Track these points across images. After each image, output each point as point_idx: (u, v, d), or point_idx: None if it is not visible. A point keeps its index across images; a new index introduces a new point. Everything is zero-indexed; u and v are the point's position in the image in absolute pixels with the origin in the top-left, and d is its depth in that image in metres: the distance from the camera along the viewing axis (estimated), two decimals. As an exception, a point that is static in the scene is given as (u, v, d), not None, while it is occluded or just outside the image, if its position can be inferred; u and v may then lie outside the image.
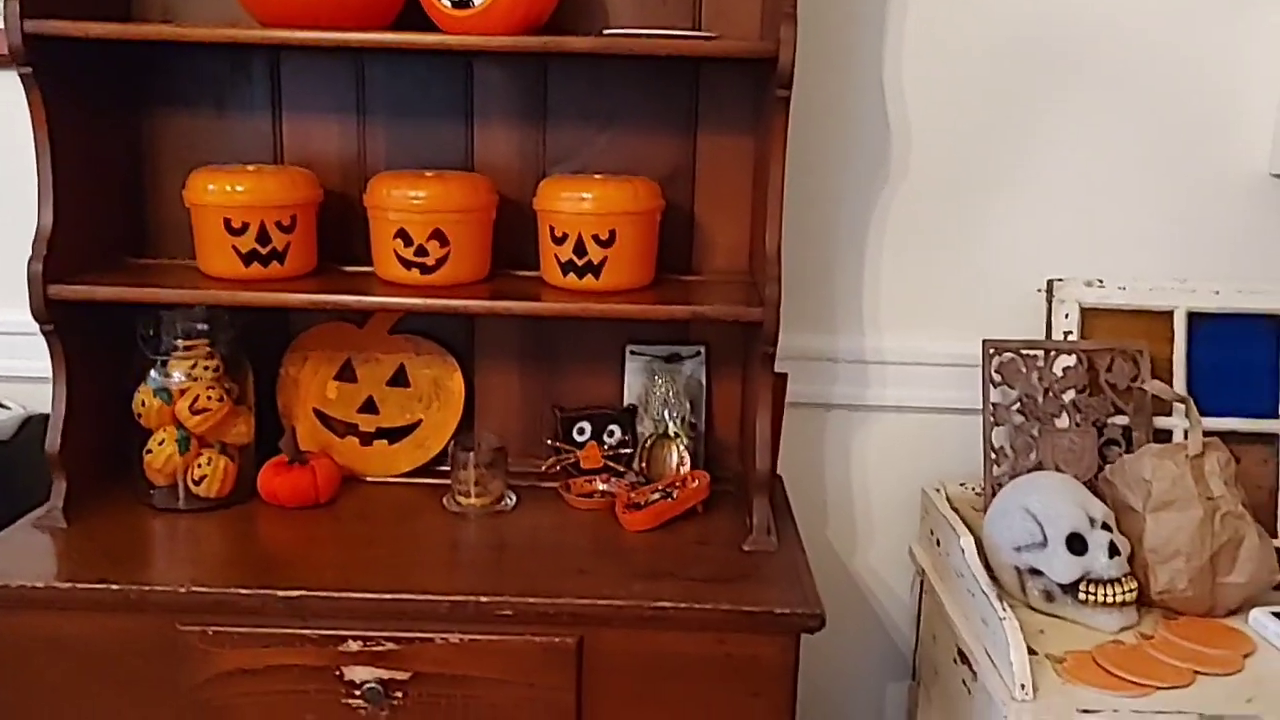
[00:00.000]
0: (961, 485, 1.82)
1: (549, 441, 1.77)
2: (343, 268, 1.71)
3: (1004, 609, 1.43)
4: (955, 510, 1.78)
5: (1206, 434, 1.72)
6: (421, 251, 1.55)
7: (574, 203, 1.54)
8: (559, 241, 1.56)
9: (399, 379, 1.78)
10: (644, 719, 1.39)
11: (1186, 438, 1.66)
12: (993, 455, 1.76)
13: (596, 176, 1.61)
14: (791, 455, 1.91)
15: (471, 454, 1.64)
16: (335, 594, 1.37)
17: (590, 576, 1.43)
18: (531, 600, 1.36)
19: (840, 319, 1.87)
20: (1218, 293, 1.78)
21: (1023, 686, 1.36)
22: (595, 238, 1.53)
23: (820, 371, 1.88)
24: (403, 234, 1.55)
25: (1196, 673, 1.43)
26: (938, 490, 1.80)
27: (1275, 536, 1.76)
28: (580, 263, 1.54)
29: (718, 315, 1.51)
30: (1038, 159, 1.81)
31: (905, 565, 1.91)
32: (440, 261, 1.56)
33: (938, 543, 1.75)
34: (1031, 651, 1.48)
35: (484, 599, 1.36)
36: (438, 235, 1.55)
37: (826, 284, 1.87)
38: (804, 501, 1.93)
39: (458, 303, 1.54)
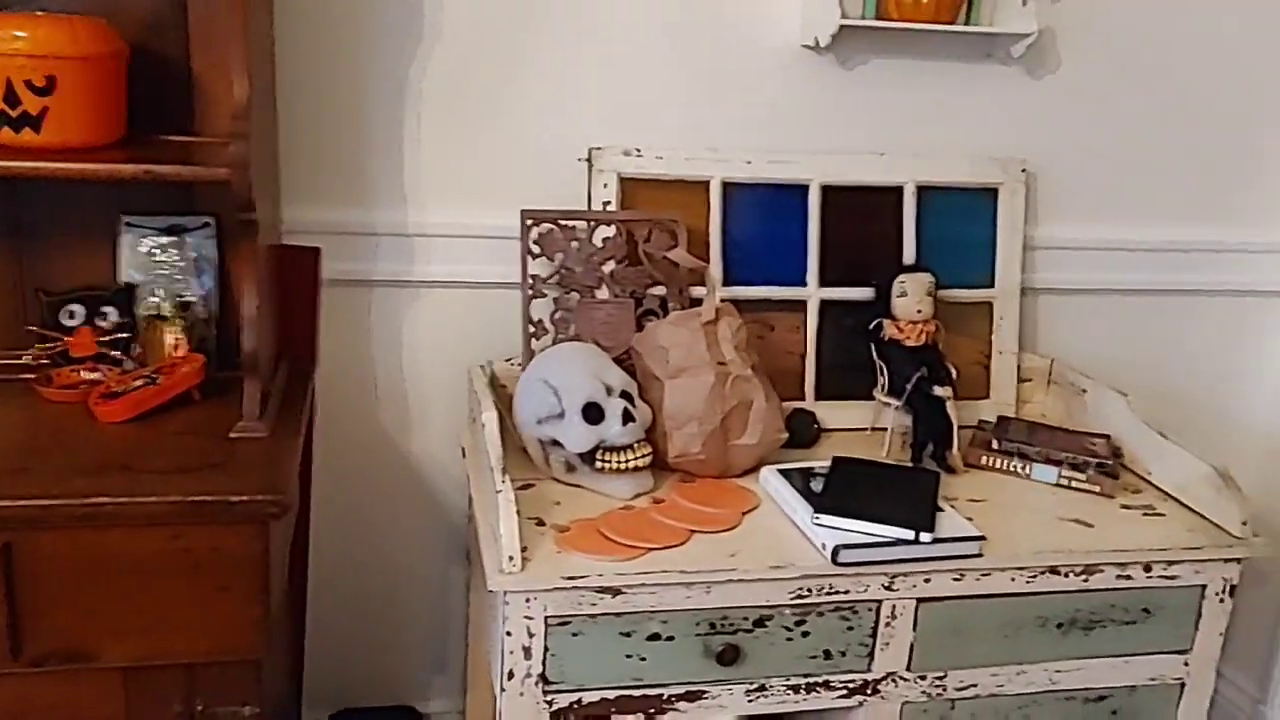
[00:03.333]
0: (508, 361, 1.77)
1: (33, 329, 1.55)
2: None
3: (502, 481, 1.39)
4: (503, 387, 1.74)
5: (740, 303, 1.76)
6: None
7: (5, 43, 1.31)
8: (-9, 89, 1.32)
9: None
10: (98, 626, 1.25)
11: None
12: (531, 329, 1.72)
13: (39, 14, 1.38)
14: (336, 336, 1.79)
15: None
16: None
17: (29, 475, 1.25)
18: (-55, 505, 1.18)
19: (379, 191, 1.75)
20: (749, 163, 1.80)
21: (510, 559, 1.33)
22: (29, 84, 1.31)
23: (360, 247, 1.76)
24: None
25: (693, 532, 1.46)
26: (482, 368, 1.74)
27: (803, 399, 1.84)
28: (14, 114, 1.32)
29: (173, 175, 1.34)
30: (576, 26, 1.74)
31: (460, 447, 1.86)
32: None
33: (474, 420, 1.69)
34: (541, 523, 1.47)
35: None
36: None
37: (361, 154, 1.73)
38: (353, 385, 1.83)
39: None
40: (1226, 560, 1.53)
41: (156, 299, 1.55)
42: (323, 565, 1.87)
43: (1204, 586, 1.54)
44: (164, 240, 1.58)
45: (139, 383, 1.45)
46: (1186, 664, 1.57)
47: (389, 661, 1.97)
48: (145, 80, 1.50)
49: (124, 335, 1.56)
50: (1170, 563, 1.51)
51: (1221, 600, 1.55)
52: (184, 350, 1.52)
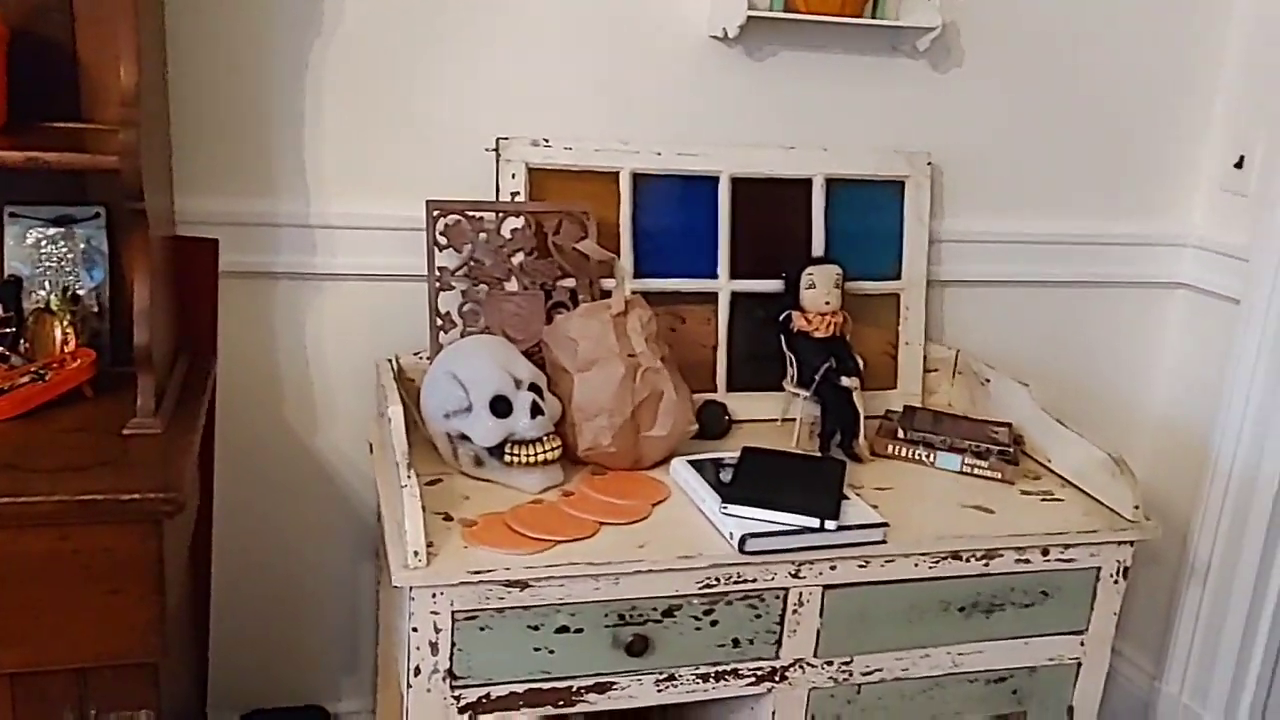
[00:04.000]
0: (416, 355, 1.74)
1: (-89, 324, 1.49)
2: None
3: (407, 476, 1.37)
4: (411, 381, 1.72)
5: (652, 295, 1.76)
6: None
7: (-125, 24, 1.25)
8: None
9: None
10: (-17, 633, 1.20)
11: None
12: (439, 321, 1.69)
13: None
14: (239, 330, 1.74)
15: None
16: None
17: (-97, 477, 1.20)
18: None
19: (279, 181, 1.71)
20: (659, 154, 1.80)
21: (415, 554, 1.32)
22: (-98, 68, 1.25)
23: (261, 238, 1.72)
24: None
25: (602, 524, 1.46)
26: (389, 362, 1.71)
27: (715, 391, 1.85)
28: (-114, 99, 1.26)
29: (59, 163, 1.29)
30: (484, 12, 1.72)
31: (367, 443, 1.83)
32: None
33: (381, 415, 1.67)
34: (448, 518, 1.45)
35: None
36: None
37: (260, 142, 1.69)
38: (257, 381, 1.78)
39: None
40: (1120, 543, 1.58)
41: (44, 292, 1.50)
42: (228, 565, 1.83)
43: (1099, 569, 1.59)
44: (51, 231, 1.52)
45: (26, 379, 1.39)
46: (1083, 644, 1.62)
47: (298, 662, 1.93)
48: (28, 65, 1.44)
49: (9, 330, 1.50)
50: (1067, 546, 1.56)
51: (1115, 581, 1.60)
52: (74, 345, 1.47)
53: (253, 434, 1.80)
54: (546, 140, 1.74)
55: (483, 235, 1.70)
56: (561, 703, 1.42)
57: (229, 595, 1.85)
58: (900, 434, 1.76)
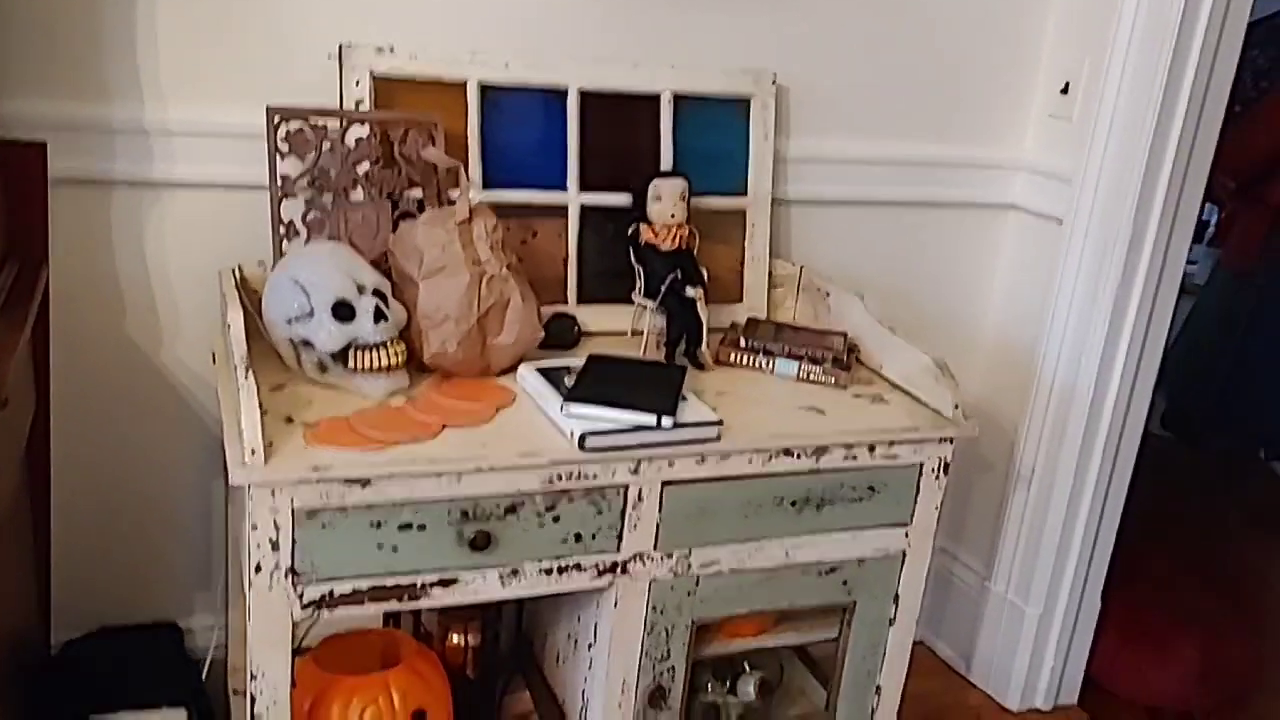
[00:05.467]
0: (260, 264, 1.72)
1: None
2: None
3: (244, 375, 1.37)
4: (255, 292, 1.70)
5: (502, 207, 1.78)
6: None
7: None
8: None
9: None
10: None
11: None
12: (282, 231, 1.68)
13: None
14: (74, 241, 1.70)
15: None
16: None
17: None
18: None
19: (111, 84, 1.66)
20: (507, 66, 1.80)
21: (252, 451, 1.32)
22: None
23: (94, 144, 1.67)
24: None
25: (445, 425, 1.49)
26: (232, 272, 1.69)
27: (566, 304, 1.89)
28: None
29: None
30: (326, -87, 1.70)
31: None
32: None
33: (224, 324, 1.65)
34: (290, 420, 1.46)
35: None
36: None
37: (90, 42, 1.63)
38: (95, 294, 1.74)
39: None
40: (940, 440, 1.68)
41: None
42: (71, 482, 1.79)
43: (922, 464, 1.69)
44: None
45: None
46: (908, 536, 1.73)
47: (149, 578, 1.91)
48: None
49: None
50: (892, 443, 1.65)
51: (937, 477, 1.71)
52: (-113, 246, 1.41)
53: (94, 348, 1.76)
54: (392, 48, 1.73)
55: (327, 144, 1.68)
56: (406, 597, 1.45)
57: (73, 513, 1.81)
58: (742, 343, 1.82)
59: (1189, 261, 2.32)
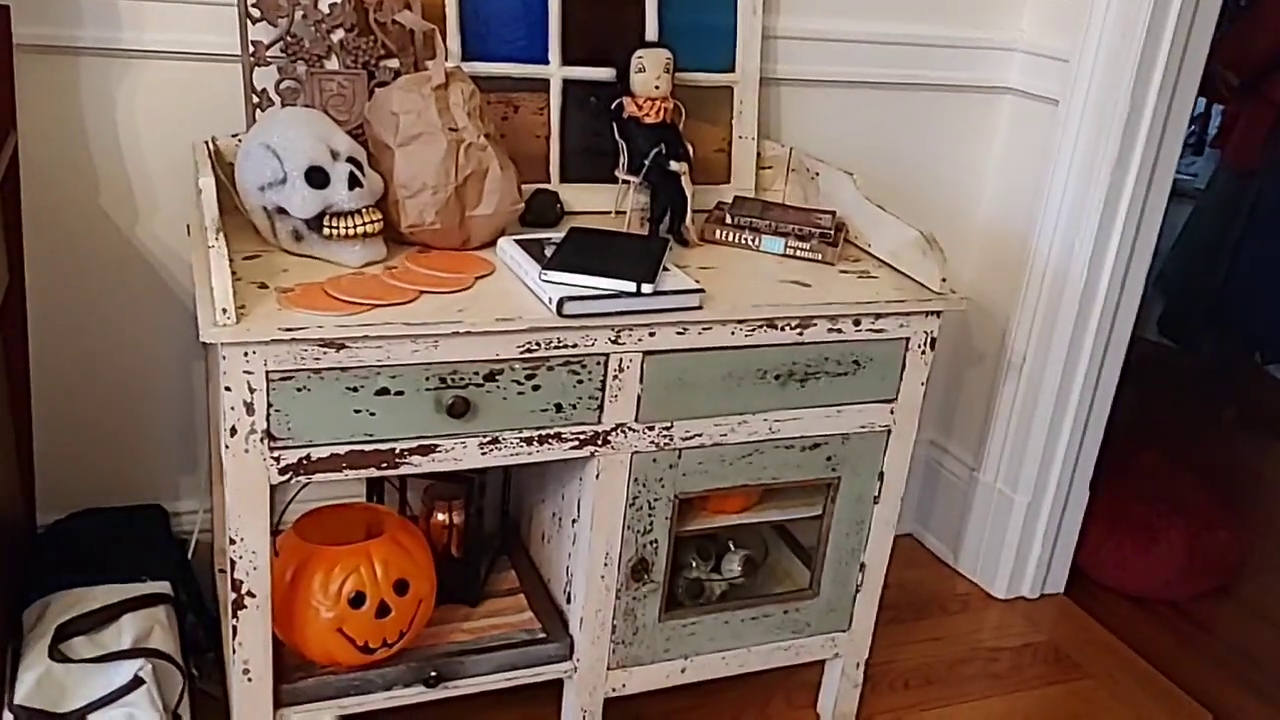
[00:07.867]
0: (234, 136, 1.69)
1: None
2: None
3: (215, 238, 1.34)
4: (230, 164, 1.66)
5: (483, 80, 1.73)
6: None
7: None
8: None
9: None
10: None
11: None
12: (255, 100, 1.64)
13: None
14: (41, 110, 1.66)
15: None
16: None
17: None
18: None
19: (76, -56, 1.61)
20: (485, -69, 1.75)
21: (224, 310, 1.30)
22: None
23: (61, 8, 1.62)
24: None
25: (422, 292, 1.47)
26: (206, 144, 1.65)
27: (549, 181, 1.85)
28: None
29: None
30: None
31: (193, 232, 1.78)
32: None
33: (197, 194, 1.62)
34: (264, 286, 1.43)
35: None
36: None
37: (53, -101, 1.58)
38: (67, 170, 1.71)
39: None
40: (926, 314, 1.66)
41: None
42: (51, 362, 1.78)
43: (908, 339, 1.67)
44: None
45: None
46: (893, 412, 1.72)
47: (133, 460, 1.91)
48: None
49: None
50: (877, 316, 1.63)
51: (923, 352, 1.69)
52: None
53: (68, 223, 1.73)
54: (365, -90, 1.67)
55: (299, 10, 1.63)
56: (385, 464, 1.45)
57: (54, 393, 1.80)
58: (728, 220, 1.79)
59: (1189, 173, 2.27)
